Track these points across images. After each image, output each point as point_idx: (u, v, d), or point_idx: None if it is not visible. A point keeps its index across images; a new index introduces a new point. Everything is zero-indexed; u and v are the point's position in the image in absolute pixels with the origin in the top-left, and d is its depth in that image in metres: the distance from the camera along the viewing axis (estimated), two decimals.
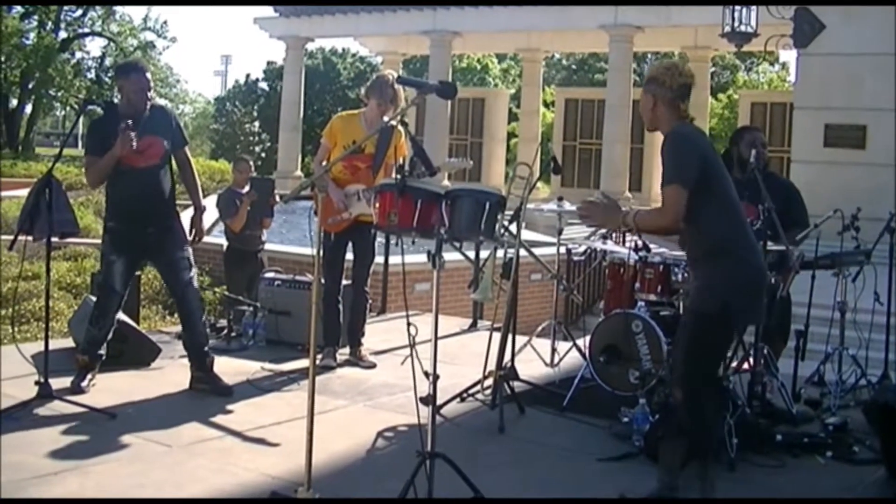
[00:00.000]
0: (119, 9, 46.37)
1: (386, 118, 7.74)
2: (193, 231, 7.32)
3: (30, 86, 42.83)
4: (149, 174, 7.00)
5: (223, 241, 10.27)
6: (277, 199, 9.84)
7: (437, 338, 4.67)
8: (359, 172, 7.82)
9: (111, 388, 7.02)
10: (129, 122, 6.79)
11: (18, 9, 42.44)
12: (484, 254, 9.15)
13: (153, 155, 7.00)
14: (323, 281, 7.80)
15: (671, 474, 4.98)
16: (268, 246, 10.41)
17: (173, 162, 7.26)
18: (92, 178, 7.16)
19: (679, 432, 4.96)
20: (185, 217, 7.41)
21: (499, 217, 4.88)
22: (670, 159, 4.78)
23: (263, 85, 55.64)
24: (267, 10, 31.89)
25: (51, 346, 6.63)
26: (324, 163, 7.90)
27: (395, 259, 10.28)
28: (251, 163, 10.64)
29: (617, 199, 5.06)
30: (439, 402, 5.93)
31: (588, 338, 7.39)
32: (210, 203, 9.31)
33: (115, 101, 7.22)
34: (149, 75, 7.11)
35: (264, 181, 10.58)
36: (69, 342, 8.04)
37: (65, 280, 12.94)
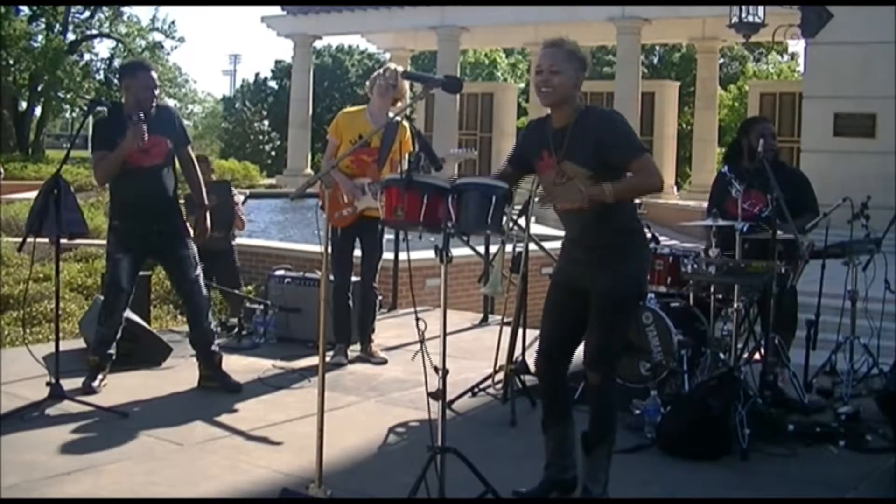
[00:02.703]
0: (127, 10, 46.33)
1: (391, 112, 7.77)
2: (198, 229, 7.34)
3: (39, 88, 42.83)
4: (153, 173, 7.02)
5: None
6: (240, 199, 9.65)
7: (446, 333, 4.67)
8: (364, 166, 7.84)
9: (122, 388, 7.04)
10: (141, 113, 6.81)
11: (26, 11, 42.50)
12: (493, 248, 9.14)
13: (158, 154, 7.03)
14: (332, 277, 7.82)
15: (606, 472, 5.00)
16: (276, 244, 10.39)
17: (175, 161, 7.29)
18: (100, 174, 7.16)
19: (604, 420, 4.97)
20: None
21: (506, 210, 4.86)
22: (625, 135, 4.78)
23: (272, 83, 55.78)
24: (274, 9, 31.92)
25: (62, 347, 6.64)
26: (332, 160, 7.91)
27: (405, 255, 10.28)
28: (210, 161, 10.45)
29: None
30: (451, 396, 5.94)
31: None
32: None
33: (123, 101, 7.22)
34: (154, 74, 7.13)
35: (221, 184, 10.36)
36: (80, 343, 8.05)
37: (76, 281, 12.93)
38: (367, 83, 8.09)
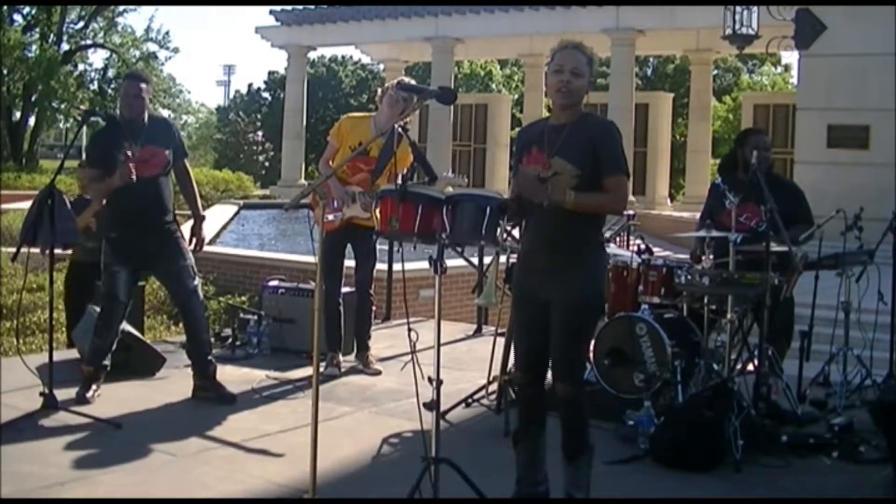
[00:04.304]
0: (121, 20, 46.51)
1: (395, 121, 7.73)
2: (194, 240, 7.33)
3: (33, 98, 42.84)
4: (150, 184, 7.02)
5: (222, 250, 10.19)
6: None
7: (439, 343, 4.67)
8: (359, 174, 7.82)
9: (116, 398, 7.03)
10: (129, 153, 6.81)
11: (20, 21, 42.57)
12: (487, 259, 9.14)
13: (156, 165, 7.03)
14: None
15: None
16: (270, 254, 10.37)
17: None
18: (92, 195, 7.19)
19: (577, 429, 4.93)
20: (186, 228, 7.43)
21: (500, 222, 4.87)
22: (617, 151, 4.82)
23: (266, 94, 55.78)
24: (269, 20, 31.94)
25: (55, 358, 6.65)
26: (330, 162, 7.89)
27: (399, 266, 10.28)
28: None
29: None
30: (444, 407, 5.93)
31: (592, 341, 7.37)
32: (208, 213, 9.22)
33: (117, 112, 7.23)
34: (143, 85, 7.11)
35: None
36: (74, 353, 8.04)
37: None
38: (379, 91, 8.08)
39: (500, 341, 7.17)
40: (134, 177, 6.80)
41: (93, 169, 7.08)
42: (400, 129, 7.12)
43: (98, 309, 7.43)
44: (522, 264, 5.06)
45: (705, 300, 6.99)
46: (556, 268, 4.81)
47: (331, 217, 7.80)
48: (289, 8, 31.50)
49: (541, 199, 4.70)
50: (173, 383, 7.58)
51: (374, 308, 8.47)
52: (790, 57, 44.34)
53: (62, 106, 44.12)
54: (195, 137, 62.19)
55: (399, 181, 4.75)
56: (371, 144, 7.56)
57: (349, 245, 8.06)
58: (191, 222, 7.43)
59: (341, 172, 7.80)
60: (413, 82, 7.87)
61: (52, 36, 43.31)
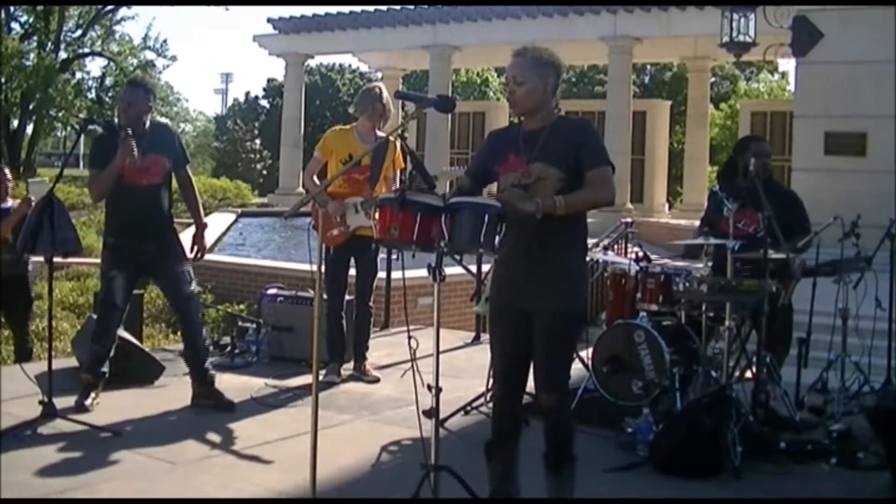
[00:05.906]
0: (119, 28, 46.55)
1: (379, 131, 7.82)
2: (195, 248, 7.34)
3: (30, 106, 42.81)
4: (150, 192, 7.03)
5: (221, 258, 10.15)
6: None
7: (438, 351, 4.67)
8: (357, 184, 7.85)
9: (115, 406, 7.03)
10: (129, 129, 6.82)
11: (18, 30, 42.59)
12: (486, 267, 9.15)
13: (156, 173, 7.03)
14: (325, 296, 7.81)
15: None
16: (269, 262, 10.34)
17: (173, 179, 7.29)
18: (95, 191, 7.16)
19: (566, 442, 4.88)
20: (187, 235, 7.43)
21: (499, 229, 4.86)
22: (597, 145, 4.81)
23: (264, 102, 55.77)
24: (266, 28, 31.99)
25: (54, 366, 6.66)
26: (315, 177, 7.93)
27: (398, 274, 10.29)
28: (7, 171, 9.81)
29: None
30: (443, 415, 5.93)
31: (591, 349, 7.39)
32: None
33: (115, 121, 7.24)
34: (141, 91, 7.13)
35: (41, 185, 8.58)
36: (73, 361, 8.03)
37: (68, 300, 12.96)
38: (353, 105, 8.12)
39: None
40: (136, 151, 6.81)
41: (96, 169, 7.07)
42: (397, 138, 7.18)
43: (96, 316, 7.44)
44: (500, 274, 4.98)
45: (703, 307, 7.00)
46: (538, 277, 4.76)
47: (335, 232, 7.83)
48: (287, 16, 31.52)
49: (532, 214, 4.60)
50: (172, 391, 7.58)
51: (372, 319, 8.48)
52: (787, 64, 44.46)
53: (60, 114, 44.13)
54: (193, 146, 62.23)
55: (398, 188, 4.76)
56: (363, 156, 7.56)
57: (352, 257, 8.08)
58: (192, 230, 7.43)
59: (338, 187, 7.81)
60: (383, 88, 7.92)
61: (49, 44, 43.30)
